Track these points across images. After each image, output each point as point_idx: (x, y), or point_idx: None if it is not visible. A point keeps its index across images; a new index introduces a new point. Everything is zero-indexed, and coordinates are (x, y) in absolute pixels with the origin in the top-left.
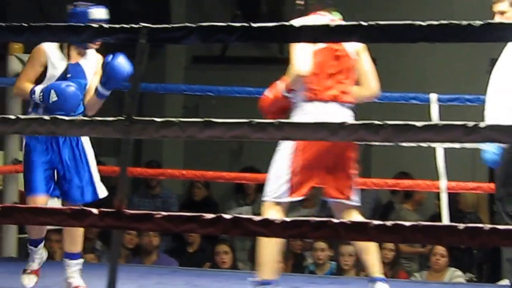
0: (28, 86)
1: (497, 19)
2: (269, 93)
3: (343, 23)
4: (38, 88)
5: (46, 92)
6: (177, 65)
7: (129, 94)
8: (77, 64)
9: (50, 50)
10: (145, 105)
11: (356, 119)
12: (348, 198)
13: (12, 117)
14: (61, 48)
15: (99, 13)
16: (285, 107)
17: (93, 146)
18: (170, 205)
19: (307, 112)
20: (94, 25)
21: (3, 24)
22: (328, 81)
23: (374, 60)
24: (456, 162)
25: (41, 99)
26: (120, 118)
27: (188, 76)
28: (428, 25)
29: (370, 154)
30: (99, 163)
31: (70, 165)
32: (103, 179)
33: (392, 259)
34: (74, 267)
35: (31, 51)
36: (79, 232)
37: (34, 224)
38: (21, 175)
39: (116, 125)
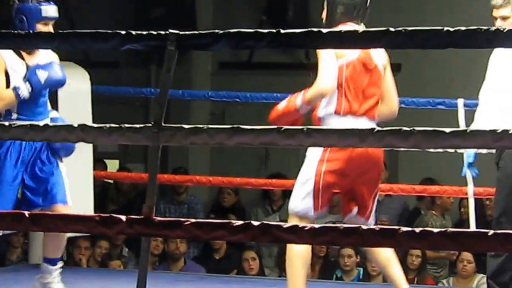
0: (7, 90)
1: (499, 24)
2: (280, 106)
3: (370, 29)
4: (19, 82)
5: (32, 75)
6: (203, 72)
7: (157, 101)
8: (37, 65)
9: (6, 55)
10: (171, 111)
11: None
12: (367, 219)
13: (42, 124)
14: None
15: (51, 10)
16: (295, 122)
17: (119, 153)
18: (196, 211)
19: (338, 127)
20: (122, 32)
21: (33, 32)
22: (359, 95)
23: (399, 66)
24: (483, 167)
25: (30, 87)
26: (148, 125)
27: (214, 82)
28: (456, 30)
29: (397, 159)
30: (126, 169)
31: (36, 172)
32: (131, 186)
33: (419, 265)
34: (55, 272)
35: (62, 58)
36: (64, 237)
37: (64, 231)
38: None
39: (145, 132)
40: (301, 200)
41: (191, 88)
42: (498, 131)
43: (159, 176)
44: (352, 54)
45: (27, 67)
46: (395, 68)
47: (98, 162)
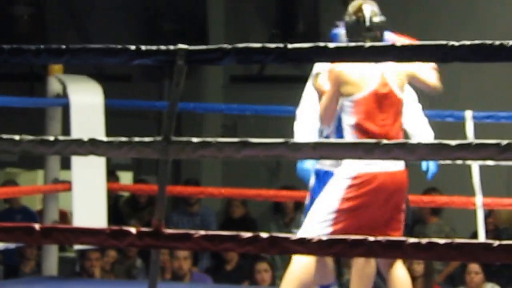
0: None
1: None
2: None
3: (377, 44)
4: None
5: None
6: (215, 84)
7: (166, 115)
8: None
9: None
10: (183, 124)
11: None
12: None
13: (51, 138)
14: None
15: None
16: None
17: (133, 165)
18: (209, 223)
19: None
20: (131, 47)
21: (43, 46)
22: (374, 126)
23: None
24: (491, 178)
25: None
26: (158, 138)
27: (226, 95)
28: (461, 45)
29: None
30: (140, 181)
31: None
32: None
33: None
34: None
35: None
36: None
37: (74, 244)
38: (61, 195)
39: (154, 145)
40: (318, 229)
41: (202, 101)
42: (502, 144)
43: (171, 187)
44: (367, 88)
45: None
46: None
47: (111, 174)
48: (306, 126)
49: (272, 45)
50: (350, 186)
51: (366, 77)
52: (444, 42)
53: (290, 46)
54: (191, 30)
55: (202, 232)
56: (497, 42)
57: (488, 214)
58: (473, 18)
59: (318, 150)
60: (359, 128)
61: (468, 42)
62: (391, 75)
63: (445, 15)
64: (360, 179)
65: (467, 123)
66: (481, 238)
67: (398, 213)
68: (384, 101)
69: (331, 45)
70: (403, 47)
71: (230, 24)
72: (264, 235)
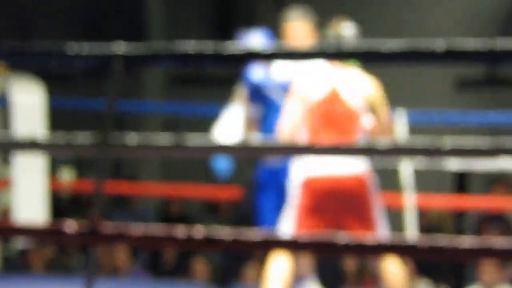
0: None
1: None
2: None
3: (309, 46)
4: None
5: None
6: (156, 84)
7: (104, 114)
8: None
9: None
10: (125, 123)
11: None
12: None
13: None
14: None
15: None
16: None
17: (76, 162)
18: (148, 220)
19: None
20: (66, 48)
21: None
22: (324, 135)
23: None
24: (422, 177)
25: None
26: (95, 137)
27: (166, 94)
28: (391, 48)
29: None
30: (83, 176)
31: None
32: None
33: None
34: None
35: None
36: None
37: (11, 240)
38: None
39: (92, 144)
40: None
41: (143, 100)
42: (430, 146)
43: (110, 185)
44: (316, 95)
45: None
46: None
47: (55, 170)
48: (229, 125)
49: (208, 50)
50: (301, 190)
51: (316, 90)
52: (372, 43)
53: (225, 49)
54: (131, 33)
55: (138, 229)
56: (429, 46)
57: (420, 213)
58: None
59: (249, 150)
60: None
61: (397, 46)
62: (347, 89)
63: (384, 14)
64: (308, 183)
65: (399, 122)
66: (413, 236)
67: (364, 215)
68: (334, 114)
69: (264, 47)
70: (329, 47)
71: (170, 25)
72: (200, 231)
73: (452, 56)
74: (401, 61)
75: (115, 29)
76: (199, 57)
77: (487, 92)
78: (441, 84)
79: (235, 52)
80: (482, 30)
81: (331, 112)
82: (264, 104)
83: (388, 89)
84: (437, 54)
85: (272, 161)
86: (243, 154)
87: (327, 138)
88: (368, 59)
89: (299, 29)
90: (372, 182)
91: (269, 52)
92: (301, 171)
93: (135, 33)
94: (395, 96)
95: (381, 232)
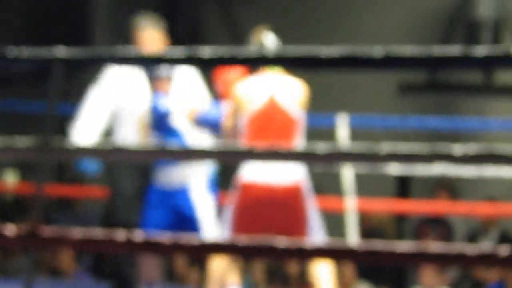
0: None
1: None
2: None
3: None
4: None
5: None
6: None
7: (45, 117)
8: None
9: None
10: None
11: None
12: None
13: None
14: None
15: None
16: None
17: (20, 165)
18: (92, 223)
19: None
20: (6, 51)
21: None
22: (263, 142)
23: None
24: (363, 181)
25: None
26: (36, 140)
27: None
28: (330, 54)
29: None
30: (26, 179)
31: None
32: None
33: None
34: None
35: None
36: None
37: None
38: None
39: (32, 147)
40: None
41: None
42: (369, 151)
43: (53, 188)
44: (256, 104)
45: None
46: None
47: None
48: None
49: (149, 52)
50: (238, 195)
51: (255, 97)
52: (306, 51)
53: (167, 52)
54: (76, 33)
55: (78, 232)
56: (366, 52)
57: (362, 217)
58: (346, 23)
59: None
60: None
61: (335, 52)
62: (285, 96)
63: (320, 19)
64: (245, 188)
65: (340, 127)
66: (353, 240)
67: (299, 223)
68: (272, 121)
69: (209, 51)
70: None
71: (115, 27)
72: (139, 235)
73: (390, 62)
74: (340, 67)
75: (59, 33)
76: (137, 60)
77: (428, 97)
78: (383, 88)
79: (177, 57)
80: (423, 36)
81: (269, 120)
82: (166, 132)
83: (331, 94)
84: (375, 60)
85: (166, 182)
86: (183, 157)
87: (266, 145)
88: (307, 65)
89: (150, 37)
90: (307, 189)
91: (208, 57)
92: (241, 177)
93: (79, 37)
94: (338, 101)
95: (316, 239)
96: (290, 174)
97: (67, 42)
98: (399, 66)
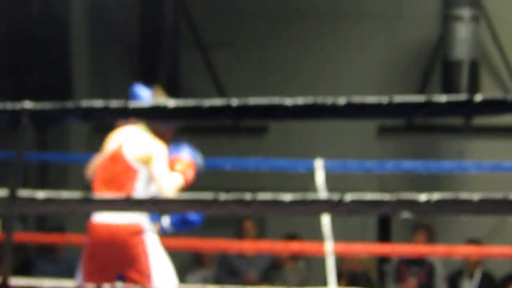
0: None
1: None
2: None
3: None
4: None
5: None
6: (80, 133)
7: (11, 168)
8: None
9: None
10: (50, 174)
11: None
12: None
13: None
14: None
15: None
16: None
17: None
18: (75, 269)
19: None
20: None
21: None
22: (102, 188)
23: (265, 129)
24: (344, 222)
25: None
26: (2, 193)
27: (91, 144)
28: (294, 104)
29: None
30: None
31: None
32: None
33: None
34: None
35: None
36: None
37: None
38: None
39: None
40: None
41: (68, 151)
42: (334, 199)
43: (36, 235)
44: (104, 155)
45: None
46: (261, 130)
47: None
48: None
49: (114, 105)
50: (86, 237)
51: (108, 145)
52: (273, 100)
53: (131, 104)
54: (56, 83)
55: (49, 284)
56: (330, 100)
57: (341, 260)
58: (327, 68)
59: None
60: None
61: (301, 101)
62: (131, 147)
63: (300, 64)
64: (90, 229)
65: (317, 172)
66: (332, 283)
67: (138, 264)
68: (113, 169)
69: (171, 103)
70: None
71: (94, 76)
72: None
73: (352, 111)
74: (303, 117)
75: (39, 82)
76: (104, 112)
77: (408, 139)
78: (363, 131)
79: (139, 107)
80: (402, 77)
81: (111, 169)
82: None
83: (312, 139)
84: (338, 109)
85: None
86: None
87: (106, 194)
88: (270, 115)
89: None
90: (148, 230)
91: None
92: (91, 218)
93: (60, 86)
94: (318, 145)
95: (157, 281)
96: (130, 215)
97: (47, 94)
98: (359, 115)
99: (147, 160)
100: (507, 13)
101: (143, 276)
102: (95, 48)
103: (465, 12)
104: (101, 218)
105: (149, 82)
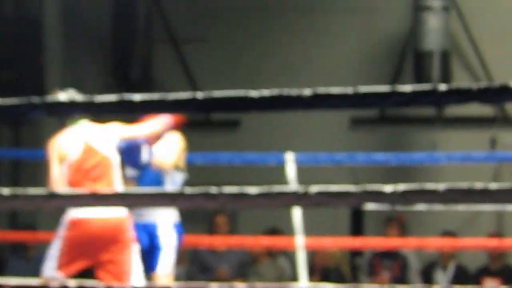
0: None
1: None
2: None
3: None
4: None
5: None
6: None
7: None
8: None
9: None
10: (23, 171)
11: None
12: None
13: None
14: None
15: None
16: None
17: None
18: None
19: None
20: None
21: None
22: (85, 184)
23: (237, 122)
24: (316, 216)
25: None
26: None
27: None
28: (261, 96)
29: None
30: None
31: None
32: None
33: None
34: None
35: None
36: None
37: None
38: None
39: None
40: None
41: (40, 147)
42: (300, 191)
43: (7, 233)
44: (73, 155)
45: None
46: (233, 124)
47: None
48: None
49: (79, 99)
50: (66, 230)
51: (70, 148)
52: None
53: (96, 100)
54: (28, 80)
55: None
56: (295, 92)
57: (314, 254)
58: (298, 59)
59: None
60: None
61: (267, 93)
62: (100, 141)
63: (275, 63)
64: (72, 225)
65: (288, 165)
66: (303, 278)
67: (123, 257)
68: (93, 167)
69: (137, 97)
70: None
71: (67, 73)
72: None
73: (318, 102)
74: (270, 109)
75: (12, 78)
76: (70, 107)
77: (380, 130)
78: (335, 123)
79: (105, 102)
80: (374, 68)
81: (88, 165)
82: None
83: (281, 133)
84: (304, 101)
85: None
86: None
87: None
88: (237, 107)
89: None
90: (130, 224)
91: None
92: (68, 215)
93: (32, 82)
94: (289, 138)
95: (136, 276)
96: (115, 210)
97: (21, 91)
98: (326, 106)
99: (124, 135)
100: (477, 2)
101: (122, 270)
102: (68, 44)
103: (436, 2)
104: (85, 213)
105: (122, 77)
